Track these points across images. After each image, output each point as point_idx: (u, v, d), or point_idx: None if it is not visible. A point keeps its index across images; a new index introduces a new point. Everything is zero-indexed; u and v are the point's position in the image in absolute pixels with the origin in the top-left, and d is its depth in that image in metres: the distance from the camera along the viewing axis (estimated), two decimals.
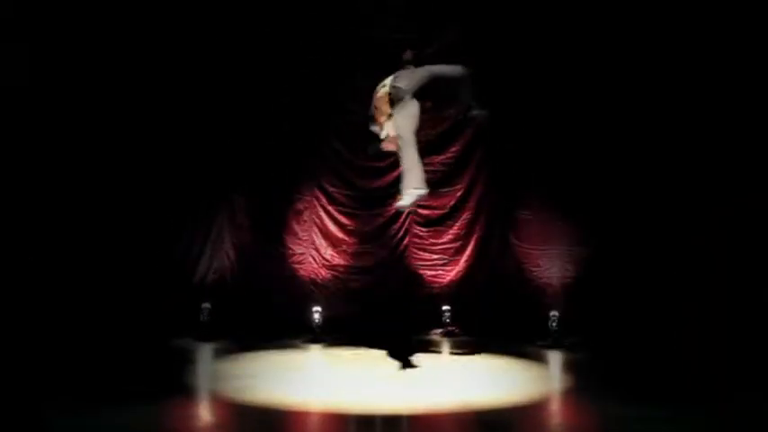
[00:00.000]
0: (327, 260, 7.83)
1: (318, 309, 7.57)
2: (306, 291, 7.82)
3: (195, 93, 7.72)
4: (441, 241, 7.98)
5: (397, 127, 6.12)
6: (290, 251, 7.87)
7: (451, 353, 7.42)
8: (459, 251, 8.03)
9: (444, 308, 7.84)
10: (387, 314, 7.30)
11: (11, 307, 6.56)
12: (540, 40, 7.85)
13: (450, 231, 8.04)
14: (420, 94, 6.39)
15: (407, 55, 6.47)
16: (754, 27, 7.01)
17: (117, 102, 7.47)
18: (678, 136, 7.35)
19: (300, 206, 7.92)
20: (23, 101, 7.06)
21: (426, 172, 7.75)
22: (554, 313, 7.50)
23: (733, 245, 7.21)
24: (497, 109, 8.05)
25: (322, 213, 7.80)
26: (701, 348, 6.82)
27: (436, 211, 8.00)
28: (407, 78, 6.27)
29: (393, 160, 6.68)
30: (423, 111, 6.18)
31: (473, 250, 8.04)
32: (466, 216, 8.06)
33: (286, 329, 7.52)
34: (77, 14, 7.26)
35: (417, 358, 6.67)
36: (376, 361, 6.55)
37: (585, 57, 7.74)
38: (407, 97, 6.13)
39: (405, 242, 7.80)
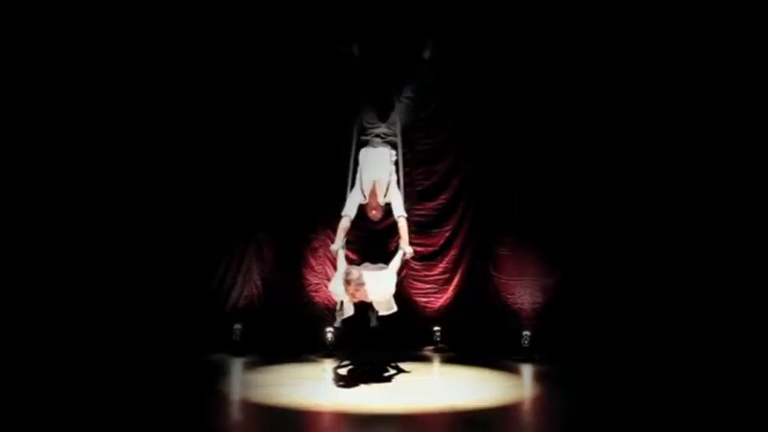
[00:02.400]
0: None
1: (330, 329, 7.80)
2: (320, 314, 8.05)
3: (234, 148, 8.04)
4: (432, 273, 8.34)
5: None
6: (307, 281, 8.14)
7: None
8: (448, 281, 8.37)
9: (435, 328, 8.24)
10: (388, 333, 7.26)
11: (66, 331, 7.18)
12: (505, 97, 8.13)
13: (441, 265, 8.36)
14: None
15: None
16: (751, 27, 7.12)
17: (164, 153, 7.84)
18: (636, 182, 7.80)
19: (316, 244, 8.15)
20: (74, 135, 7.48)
21: (420, 215, 8.26)
22: (526, 333, 7.89)
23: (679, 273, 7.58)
24: (478, 164, 8.39)
25: None
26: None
27: (429, 248, 8.31)
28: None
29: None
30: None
31: (459, 281, 8.38)
32: (453, 252, 8.39)
33: (304, 346, 7.83)
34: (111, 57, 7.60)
35: (413, 369, 7.14)
36: (379, 371, 6.92)
37: (548, 112, 8.04)
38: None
39: (402, 274, 7.51)
